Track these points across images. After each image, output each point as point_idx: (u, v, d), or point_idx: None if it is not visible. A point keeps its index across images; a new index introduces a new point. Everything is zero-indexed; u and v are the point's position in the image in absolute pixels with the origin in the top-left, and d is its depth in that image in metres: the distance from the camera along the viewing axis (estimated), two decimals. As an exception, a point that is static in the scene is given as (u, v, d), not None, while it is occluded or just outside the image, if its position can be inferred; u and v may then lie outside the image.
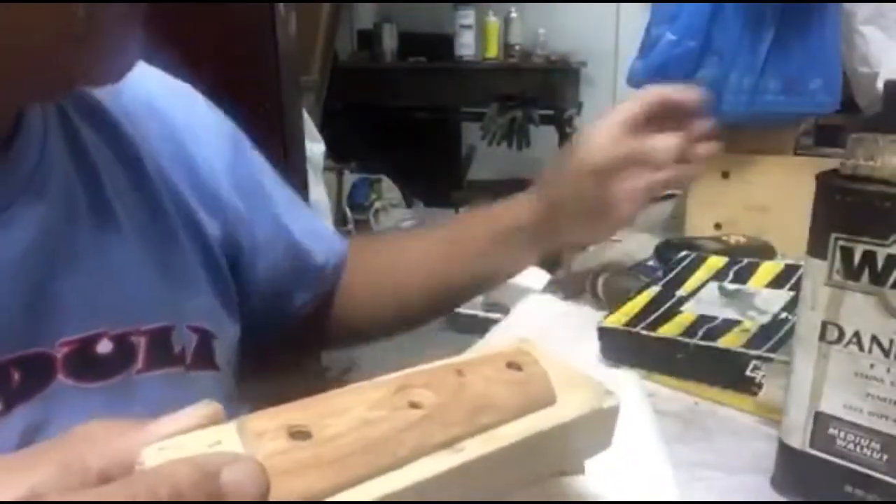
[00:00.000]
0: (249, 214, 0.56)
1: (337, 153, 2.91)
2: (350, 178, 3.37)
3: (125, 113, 0.49)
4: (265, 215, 0.58)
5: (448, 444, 0.26)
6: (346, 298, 0.65)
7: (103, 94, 0.48)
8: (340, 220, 3.10)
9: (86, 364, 0.42)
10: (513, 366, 0.31)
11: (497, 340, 0.63)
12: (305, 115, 1.60)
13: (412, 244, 0.68)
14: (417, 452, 0.26)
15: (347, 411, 0.26)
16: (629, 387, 0.54)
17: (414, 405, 0.27)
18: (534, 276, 0.77)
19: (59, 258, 0.42)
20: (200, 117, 0.55)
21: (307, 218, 0.63)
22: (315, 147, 2.05)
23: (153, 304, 0.46)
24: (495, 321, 0.75)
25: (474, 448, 0.27)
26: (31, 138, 0.42)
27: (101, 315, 0.43)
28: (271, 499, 0.23)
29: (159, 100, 0.52)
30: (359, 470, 0.24)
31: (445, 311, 0.70)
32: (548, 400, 0.30)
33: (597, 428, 0.32)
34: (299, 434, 0.24)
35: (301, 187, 1.36)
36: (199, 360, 0.49)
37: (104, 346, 0.43)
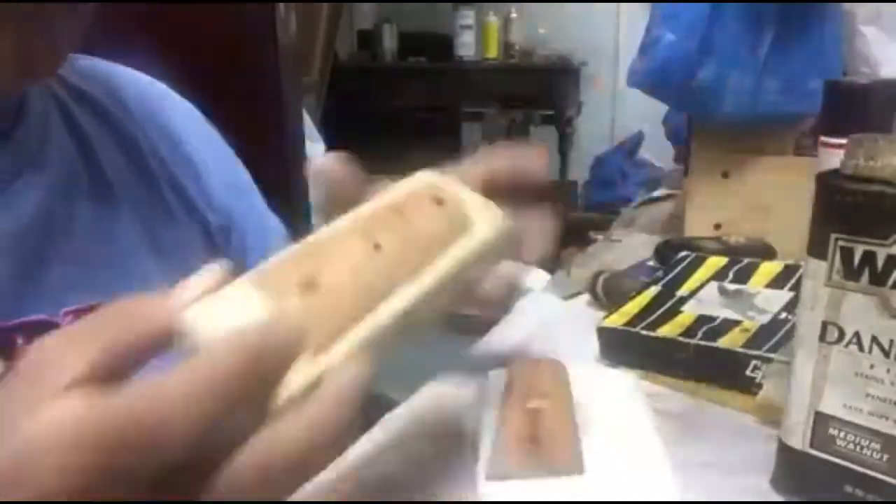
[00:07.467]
0: (240, 221, 0.58)
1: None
2: (350, 178, 3.36)
3: (124, 110, 0.52)
4: (253, 226, 0.59)
5: (411, 279, 0.31)
6: None
7: (104, 94, 0.52)
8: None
9: None
10: (439, 201, 0.35)
11: (497, 340, 0.63)
12: (305, 115, 1.60)
13: None
14: (391, 290, 0.31)
15: (342, 257, 0.30)
16: (629, 387, 0.54)
17: (378, 246, 0.31)
18: (534, 276, 0.77)
19: (59, 230, 0.44)
20: (196, 125, 0.58)
21: None
22: (315, 147, 2.04)
23: (151, 279, 0.48)
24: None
25: (426, 279, 0.32)
26: (32, 122, 0.45)
27: (101, 287, 0.44)
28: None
29: (156, 103, 0.55)
30: (356, 313, 0.29)
31: None
32: (466, 225, 0.35)
33: (506, 247, 0.37)
34: (309, 287, 0.29)
35: (301, 187, 1.36)
36: None
37: None
